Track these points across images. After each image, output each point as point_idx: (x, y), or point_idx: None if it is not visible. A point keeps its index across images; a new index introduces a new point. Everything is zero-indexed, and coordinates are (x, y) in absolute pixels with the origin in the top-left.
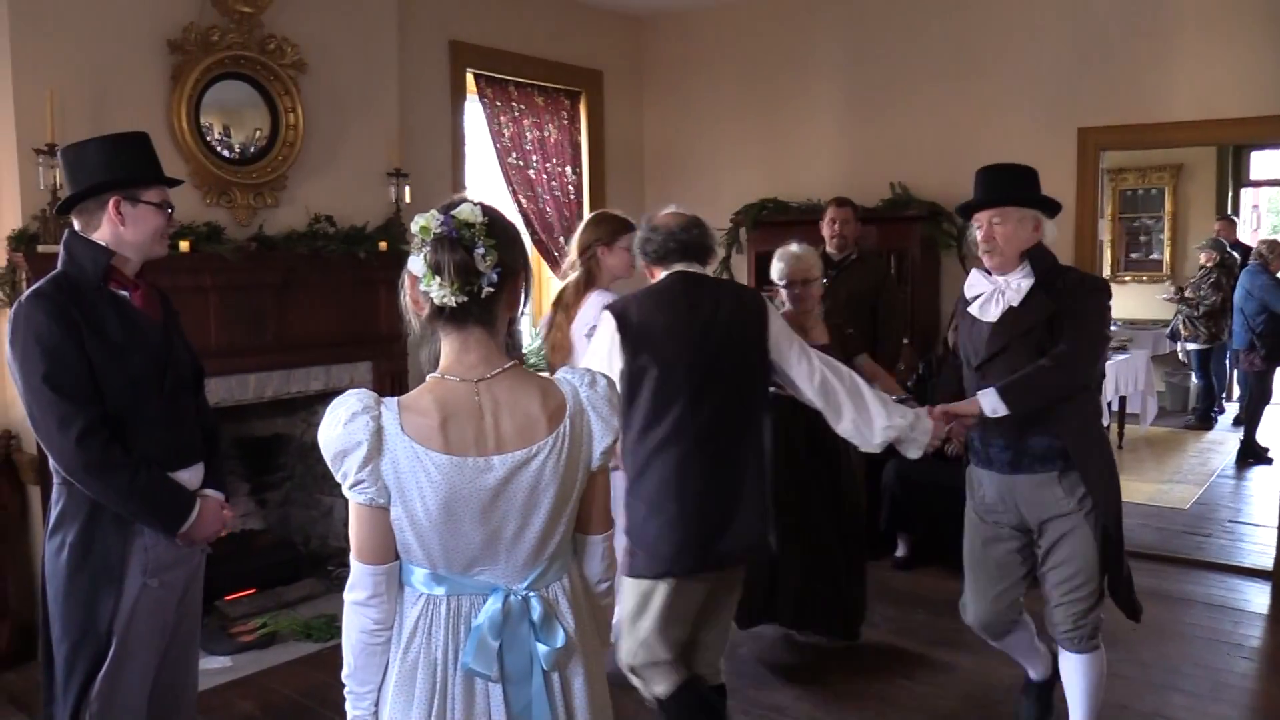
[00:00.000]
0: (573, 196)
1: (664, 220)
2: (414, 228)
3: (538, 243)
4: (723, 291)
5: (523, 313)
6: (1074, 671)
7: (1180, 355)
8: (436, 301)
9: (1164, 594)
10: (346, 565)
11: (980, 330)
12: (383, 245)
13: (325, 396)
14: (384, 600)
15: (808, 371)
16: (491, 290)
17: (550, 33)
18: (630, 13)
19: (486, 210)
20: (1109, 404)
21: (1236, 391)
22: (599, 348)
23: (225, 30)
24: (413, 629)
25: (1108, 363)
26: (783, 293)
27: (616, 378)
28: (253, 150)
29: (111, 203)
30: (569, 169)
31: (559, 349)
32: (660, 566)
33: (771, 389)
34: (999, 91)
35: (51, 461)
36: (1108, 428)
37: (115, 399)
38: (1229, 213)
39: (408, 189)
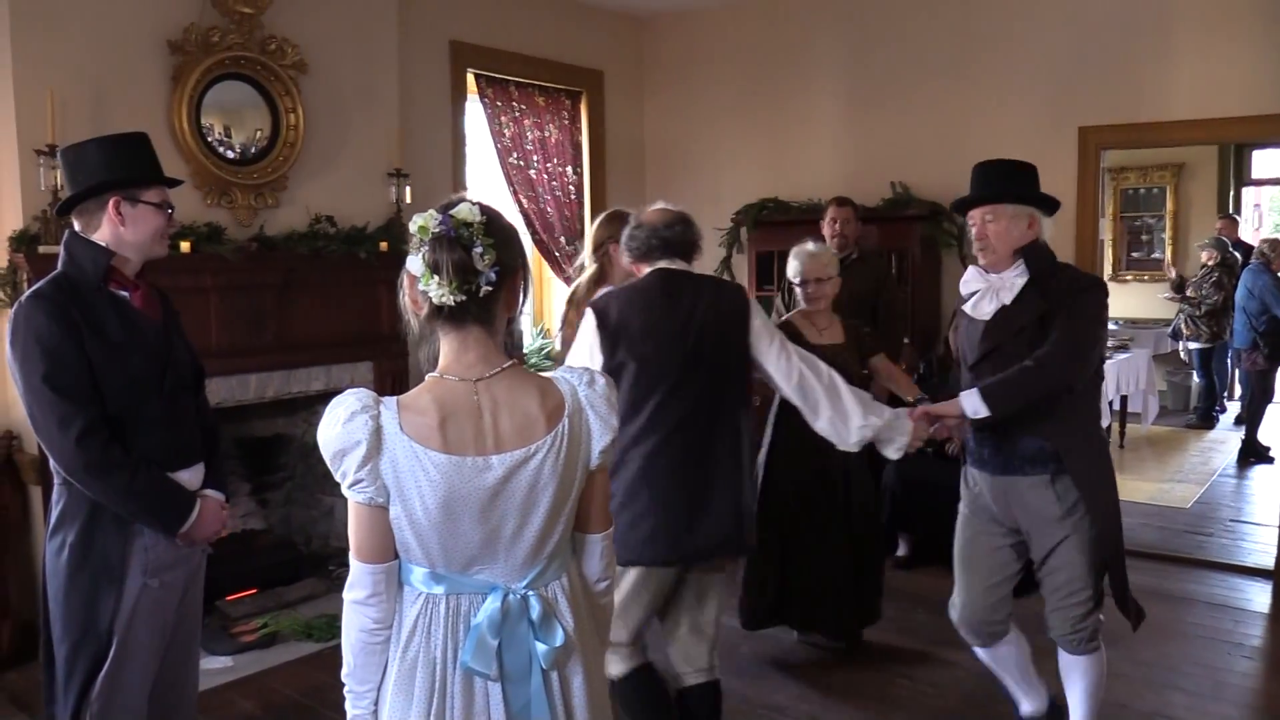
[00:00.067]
0: (573, 196)
1: (649, 217)
2: (412, 227)
3: (538, 242)
4: (703, 288)
5: (521, 312)
6: (1073, 672)
7: (1182, 354)
8: (435, 301)
9: (1165, 593)
10: (347, 565)
11: (975, 329)
12: (383, 245)
13: (326, 396)
14: (383, 599)
15: (786, 369)
16: (490, 289)
17: (550, 33)
18: (630, 13)
19: (484, 209)
20: (1110, 403)
21: (1238, 390)
22: (581, 345)
23: (225, 31)
24: (412, 628)
25: (1109, 362)
26: (797, 291)
27: None
28: (253, 151)
29: (111, 203)
30: (570, 169)
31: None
32: (628, 554)
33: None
34: (999, 91)
35: (52, 462)
36: (1108, 427)
37: (115, 399)
38: (1230, 211)
39: (408, 189)
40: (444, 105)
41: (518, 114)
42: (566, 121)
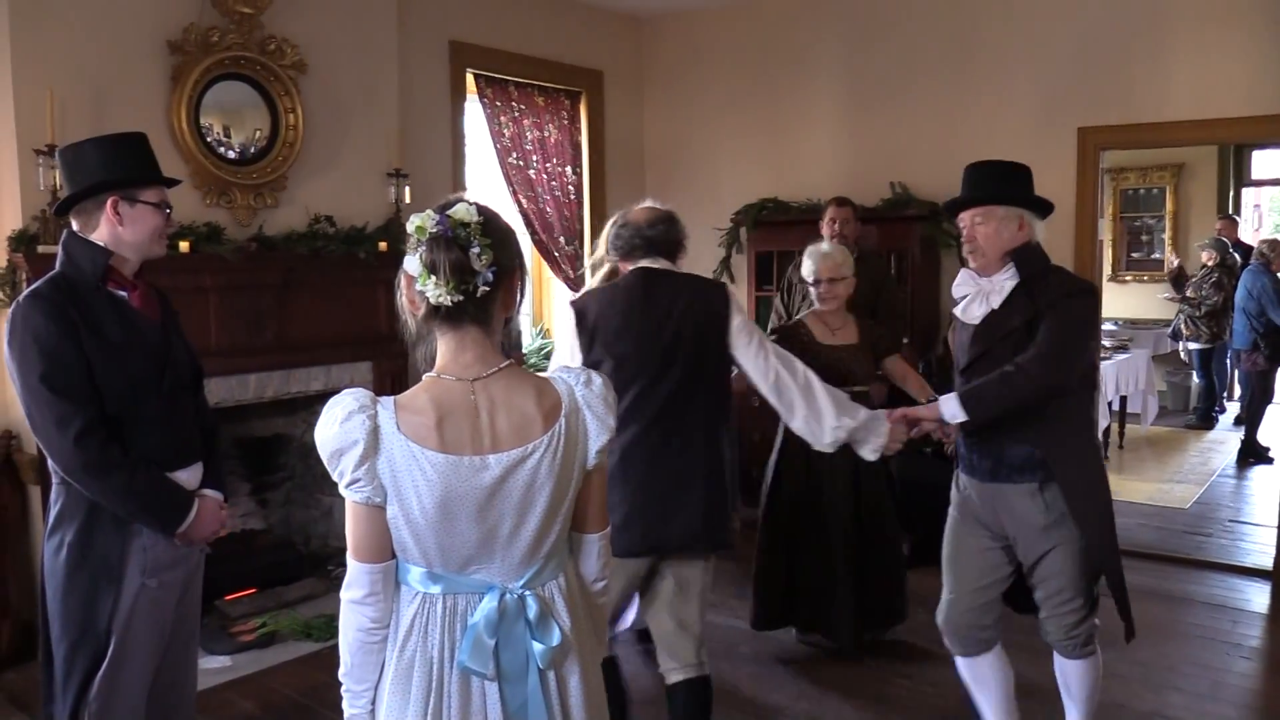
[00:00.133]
0: (573, 196)
1: (634, 216)
2: (409, 228)
3: (538, 243)
4: (683, 287)
5: (518, 312)
6: (1069, 675)
7: (1182, 355)
8: (432, 301)
9: (1164, 593)
10: (345, 565)
11: (965, 332)
12: (383, 245)
13: (325, 396)
14: (380, 599)
15: (763, 368)
16: (487, 289)
17: (550, 33)
18: (630, 13)
19: (481, 209)
20: (1109, 404)
21: (1237, 391)
22: (563, 344)
23: (225, 31)
24: (409, 627)
25: (1108, 362)
26: (811, 291)
27: None
28: (253, 151)
29: (109, 203)
30: (569, 169)
31: None
32: None
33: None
34: (999, 91)
35: (50, 461)
36: (1107, 428)
37: (113, 399)
38: (1230, 212)
39: (408, 189)
40: (443, 105)
41: (517, 114)
42: (566, 121)
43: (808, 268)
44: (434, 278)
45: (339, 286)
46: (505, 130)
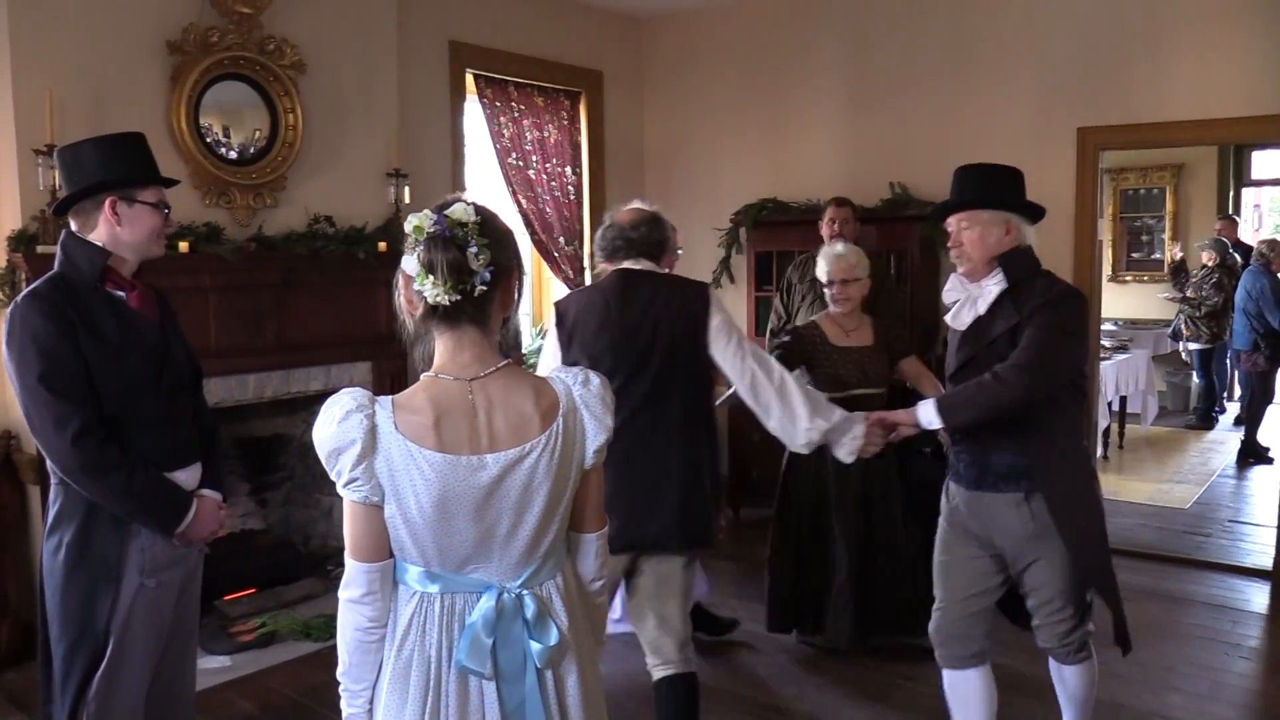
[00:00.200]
0: (573, 197)
1: (619, 217)
2: (407, 227)
3: (537, 243)
4: (662, 287)
5: (516, 311)
6: (1065, 679)
7: (1182, 355)
8: (430, 300)
9: (1163, 594)
10: (345, 565)
11: (954, 338)
12: (382, 246)
13: (324, 396)
14: (378, 598)
15: (740, 369)
16: (485, 289)
17: (550, 33)
18: (630, 13)
19: (479, 209)
20: (1109, 404)
21: (1238, 391)
22: (548, 344)
23: (224, 31)
24: (407, 626)
25: (1108, 362)
26: (825, 292)
27: None
28: (252, 151)
29: (108, 203)
30: (569, 169)
31: None
32: None
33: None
34: (999, 91)
35: (48, 462)
36: (1107, 428)
37: (112, 399)
38: (1230, 212)
39: (407, 189)
40: (443, 105)
41: (517, 114)
42: (565, 122)
43: (821, 269)
44: (431, 277)
45: (338, 287)
46: (505, 130)
